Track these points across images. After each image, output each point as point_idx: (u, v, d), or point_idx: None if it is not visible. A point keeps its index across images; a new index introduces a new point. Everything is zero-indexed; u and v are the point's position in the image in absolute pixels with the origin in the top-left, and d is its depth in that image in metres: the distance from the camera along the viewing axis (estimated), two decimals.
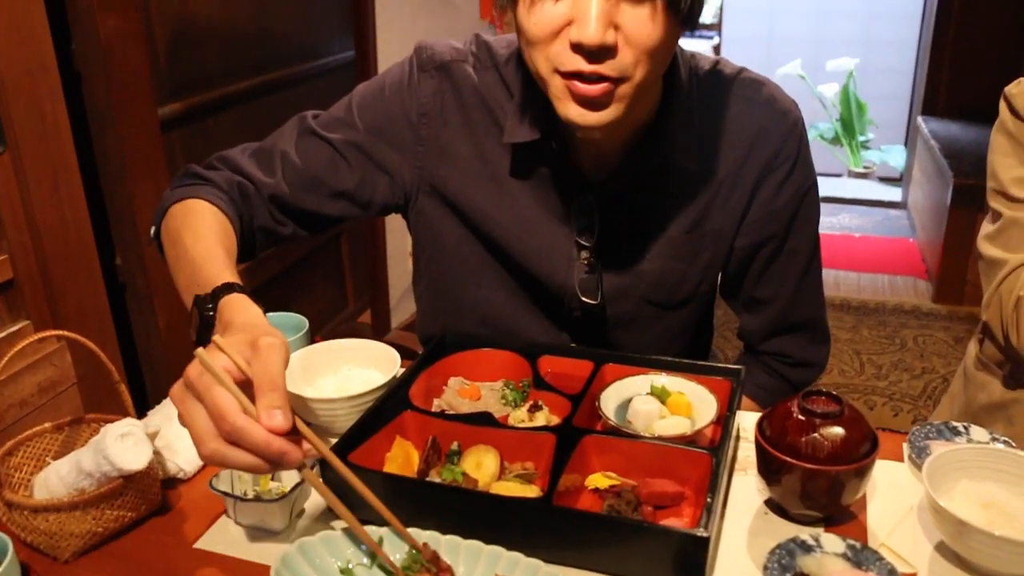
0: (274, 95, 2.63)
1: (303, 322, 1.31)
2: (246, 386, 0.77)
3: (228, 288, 0.95)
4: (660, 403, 1.07)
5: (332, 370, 1.21)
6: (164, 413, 1.18)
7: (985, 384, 1.48)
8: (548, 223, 1.23)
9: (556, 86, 1.03)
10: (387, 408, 1.06)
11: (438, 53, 1.24)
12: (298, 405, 1.15)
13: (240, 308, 0.91)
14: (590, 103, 1.02)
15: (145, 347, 2.16)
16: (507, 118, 1.20)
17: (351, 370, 1.21)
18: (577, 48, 0.98)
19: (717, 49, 5.89)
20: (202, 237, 1.08)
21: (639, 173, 1.19)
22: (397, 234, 2.53)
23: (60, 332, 1.02)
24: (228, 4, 2.41)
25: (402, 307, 2.57)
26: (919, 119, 4.59)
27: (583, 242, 1.23)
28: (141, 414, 1.19)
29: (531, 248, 1.25)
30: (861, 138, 5.74)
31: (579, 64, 0.99)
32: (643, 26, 0.97)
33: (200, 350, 0.79)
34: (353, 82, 2.44)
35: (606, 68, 0.99)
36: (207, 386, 0.77)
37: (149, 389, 2.19)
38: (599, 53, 0.97)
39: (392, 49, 2.39)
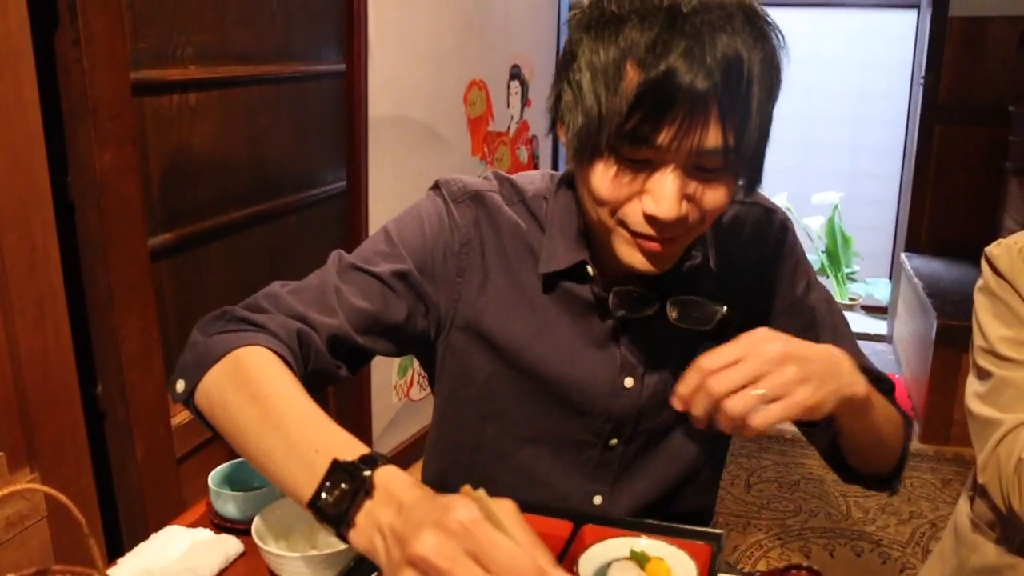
0: (265, 224, 2.66)
1: None
2: None
3: (377, 459, 0.84)
4: (639, 569, 1.05)
5: (308, 521, 1.19)
6: (134, 564, 1.15)
7: (978, 546, 1.45)
8: (590, 350, 1.23)
9: (622, 236, 1.08)
10: (362, 568, 1.04)
11: (467, 183, 1.25)
12: (269, 561, 1.12)
13: (414, 485, 0.80)
14: (656, 256, 1.08)
15: (122, 481, 2.12)
16: (542, 249, 1.22)
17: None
18: (651, 220, 1.03)
19: None
20: (291, 394, 0.98)
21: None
22: (380, 368, 2.52)
23: (37, 487, 1.00)
24: (225, 137, 2.47)
25: (384, 441, 2.55)
26: (903, 256, 4.66)
27: (632, 364, 1.23)
28: (113, 555, 1.17)
29: (574, 378, 1.23)
30: (847, 270, 5.81)
31: (649, 230, 1.05)
32: (717, 198, 1.04)
33: (480, 491, 0.67)
34: (344, 212, 2.50)
35: (675, 230, 1.05)
36: (492, 539, 0.65)
37: (123, 525, 2.15)
38: (672, 224, 1.03)
39: (384, 182, 2.44)
